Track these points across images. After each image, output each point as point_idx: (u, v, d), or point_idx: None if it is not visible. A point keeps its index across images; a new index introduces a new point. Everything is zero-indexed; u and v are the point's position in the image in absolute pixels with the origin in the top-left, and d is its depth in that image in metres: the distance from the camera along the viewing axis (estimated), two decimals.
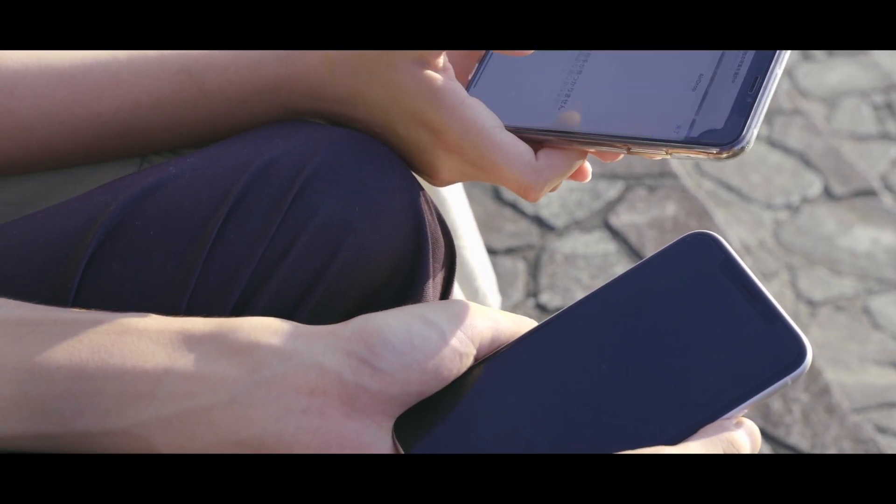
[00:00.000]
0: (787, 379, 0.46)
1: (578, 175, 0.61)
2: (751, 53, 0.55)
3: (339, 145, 0.57)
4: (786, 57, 0.55)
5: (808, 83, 2.43)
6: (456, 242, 0.65)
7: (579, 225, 1.77)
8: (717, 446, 0.45)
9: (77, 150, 0.63)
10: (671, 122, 0.56)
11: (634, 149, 0.56)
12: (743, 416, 0.47)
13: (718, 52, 0.57)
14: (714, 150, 0.53)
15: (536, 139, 0.59)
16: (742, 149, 0.52)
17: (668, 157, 0.56)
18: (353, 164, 0.57)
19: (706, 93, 0.55)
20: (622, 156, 0.60)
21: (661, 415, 0.47)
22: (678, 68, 0.58)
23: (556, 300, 1.62)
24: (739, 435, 0.46)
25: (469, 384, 0.50)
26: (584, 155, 0.60)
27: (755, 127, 0.53)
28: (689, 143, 0.54)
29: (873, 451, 1.42)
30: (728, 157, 0.53)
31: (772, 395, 0.46)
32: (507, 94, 0.61)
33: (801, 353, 0.46)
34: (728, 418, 0.46)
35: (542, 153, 0.59)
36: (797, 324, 0.47)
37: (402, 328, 0.48)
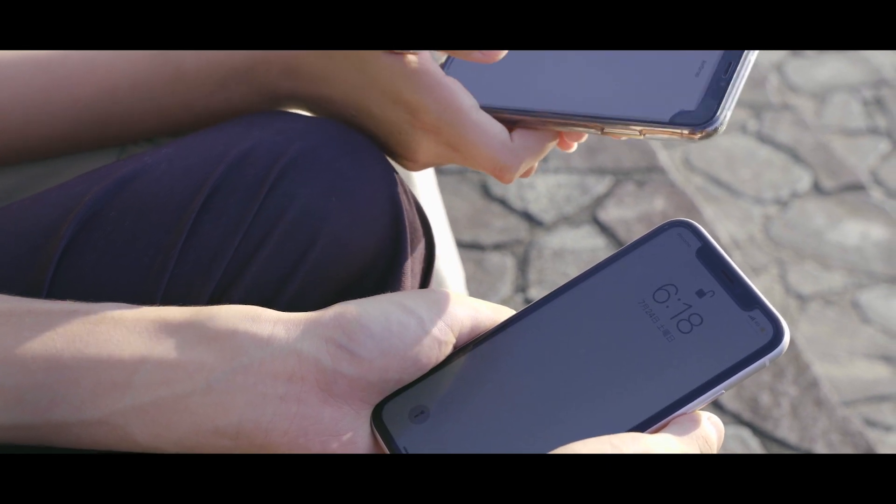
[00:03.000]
0: (765, 360, 0.47)
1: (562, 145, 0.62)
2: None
3: (317, 135, 0.57)
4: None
5: (798, 78, 2.43)
6: None
7: (568, 220, 1.77)
8: (695, 445, 0.46)
9: (55, 138, 0.62)
10: (645, 102, 0.57)
11: (608, 129, 0.57)
12: (722, 394, 0.48)
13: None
14: (687, 131, 0.55)
15: (511, 119, 0.60)
16: (715, 130, 0.54)
17: (642, 137, 0.57)
18: (331, 154, 0.56)
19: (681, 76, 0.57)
20: (585, 136, 0.61)
21: (642, 398, 0.47)
22: (654, 51, 0.58)
23: None
24: (710, 430, 0.47)
25: (448, 372, 0.50)
26: (557, 136, 0.60)
27: (728, 110, 0.55)
28: (663, 123, 0.55)
29: (862, 444, 1.42)
30: (701, 138, 0.55)
31: (750, 376, 0.48)
32: (482, 74, 0.62)
33: (778, 335, 0.47)
34: (706, 401, 0.47)
35: (516, 134, 0.59)
36: (785, 316, 0.48)
37: (381, 315, 0.48)
